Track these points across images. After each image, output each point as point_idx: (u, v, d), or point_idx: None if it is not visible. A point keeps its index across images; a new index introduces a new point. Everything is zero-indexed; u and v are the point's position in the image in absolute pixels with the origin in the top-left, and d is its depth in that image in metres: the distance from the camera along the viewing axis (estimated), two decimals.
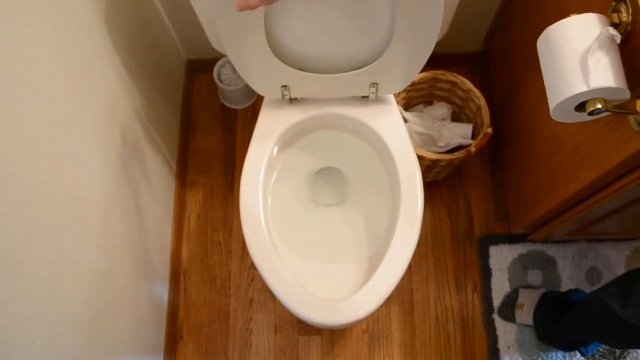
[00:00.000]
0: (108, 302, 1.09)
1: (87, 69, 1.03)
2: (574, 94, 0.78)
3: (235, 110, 1.78)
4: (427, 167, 1.50)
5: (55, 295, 0.87)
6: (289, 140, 1.24)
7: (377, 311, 1.53)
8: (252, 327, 1.52)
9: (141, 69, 1.34)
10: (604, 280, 1.55)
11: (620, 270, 1.56)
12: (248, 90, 1.73)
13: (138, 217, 1.29)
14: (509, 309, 1.50)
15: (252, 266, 1.57)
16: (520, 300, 1.49)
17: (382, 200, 1.20)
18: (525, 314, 1.46)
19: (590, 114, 0.80)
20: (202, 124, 1.77)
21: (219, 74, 1.70)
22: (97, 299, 1.03)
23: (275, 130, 1.16)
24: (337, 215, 1.26)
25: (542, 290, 1.48)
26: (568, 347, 1.39)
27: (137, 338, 1.26)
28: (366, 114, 1.17)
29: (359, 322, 1.28)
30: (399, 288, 1.55)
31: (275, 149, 1.18)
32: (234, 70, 1.69)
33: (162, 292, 1.48)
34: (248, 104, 1.78)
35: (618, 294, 1.02)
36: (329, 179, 1.30)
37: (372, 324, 1.52)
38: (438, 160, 1.42)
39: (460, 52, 1.75)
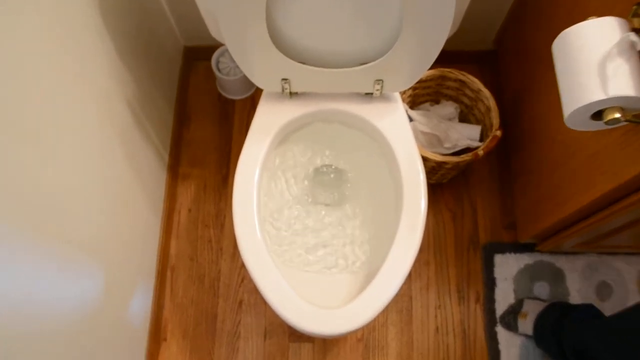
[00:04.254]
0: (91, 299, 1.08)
1: (79, 57, 1.03)
2: (591, 101, 0.78)
3: (233, 101, 1.77)
4: (432, 169, 1.49)
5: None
6: (288, 135, 1.23)
7: (374, 319, 1.47)
8: (240, 330, 1.51)
9: (136, 56, 1.33)
10: (615, 296, 1.54)
11: (633, 286, 1.55)
12: (247, 81, 1.71)
13: (125, 209, 1.28)
14: (511, 317, 1.49)
15: (244, 266, 1.56)
16: (525, 309, 1.48)
17: (384, 201, 1.20)
18: (528, 323, 1.44)
19: (608, 123, 0.79)
20: (197, 114, 1.76)
21: (217, 63, 1.69)
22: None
23: (273, 125, 1.16)
24: (336, 216, 1.25)
25: (549, 302, 1.47)
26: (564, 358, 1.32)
27: (118, 338, 1.25)
28: (370, 112, 1.16)
29: (353, 333, 1.26)
30: (397, 295, 1.55)
31: (273, 144, 1.17)
32: (233, 59, 1.62)
33: (147, 289, 1.47)
34: (247, 94, 1.77)
35: None
36: (328, 177, 1.30)
37: (368, 332, 1.52)
38: (444, 163, 1.41)
39: (470, 50, 1.74)
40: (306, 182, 1.27)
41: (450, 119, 1.59)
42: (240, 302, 1.54)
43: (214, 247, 1.61)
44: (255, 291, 1.56)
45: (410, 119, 1.51)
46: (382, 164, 1.21)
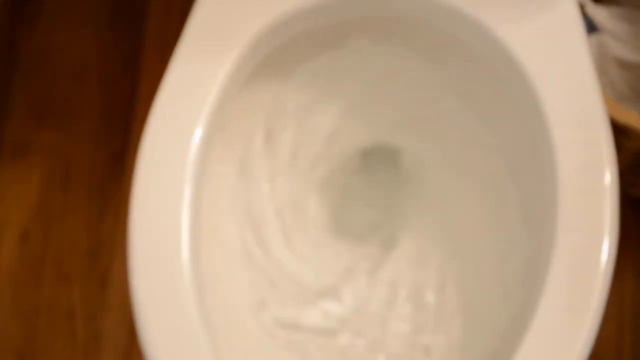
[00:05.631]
0: None
1: None
2: None
3: None
4: None
5: None
6: (279, 60, 0.79)
7: None
8: None
9: None
10: None
11: None
12: None
13: None
14: None
15: None
16: None
17: (504, 231, 0.79)
18: None
19: None
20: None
21: None
22: None
23: (243, 28, 0.74)
24: (386, 260, 0.83)
25: None
26: None
27: None
28: (487, 3, 0.77)
29: None
30: None
31: (240, 78, 0.74)
32: None
33: None
34: None
35: None
36: (377, 172, 0.90)
37: None
38: None
39: None
40: (325, 184, 0.88)
41: None
42: None
43: (81, 332, 1.05)
44: None
45: (592, 28, 1.14)
46: (506, 139, 0.87)
